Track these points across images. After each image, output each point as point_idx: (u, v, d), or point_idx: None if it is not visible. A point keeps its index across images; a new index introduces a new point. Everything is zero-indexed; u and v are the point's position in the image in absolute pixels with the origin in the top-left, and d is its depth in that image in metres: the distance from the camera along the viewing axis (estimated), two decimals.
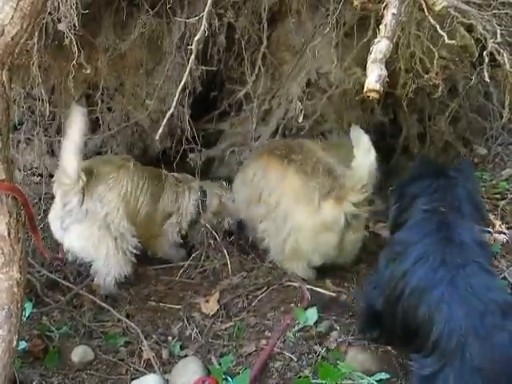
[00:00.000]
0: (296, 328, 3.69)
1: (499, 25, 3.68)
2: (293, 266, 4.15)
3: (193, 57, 2.99)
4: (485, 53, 3.27)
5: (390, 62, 4.13)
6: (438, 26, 2.08)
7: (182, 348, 3.69)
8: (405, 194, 3.52)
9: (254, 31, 4.35)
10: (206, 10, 2.93)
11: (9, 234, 2.70)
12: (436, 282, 2.98)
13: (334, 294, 4.03)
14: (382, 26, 1.80)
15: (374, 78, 1.73)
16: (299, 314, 3.75)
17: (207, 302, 4.01)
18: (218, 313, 3.95)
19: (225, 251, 4.38)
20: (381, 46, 1.77)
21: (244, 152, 4.61)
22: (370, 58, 1.80)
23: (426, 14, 1.93)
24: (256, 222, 4.27)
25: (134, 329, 3.79)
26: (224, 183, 4.57)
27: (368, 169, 3.75)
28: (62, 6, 3.56)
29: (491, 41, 3.37)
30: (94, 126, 4.53)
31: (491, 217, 4.63)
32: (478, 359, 2.72)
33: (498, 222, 4.50)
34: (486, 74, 3.23)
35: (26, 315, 3.68)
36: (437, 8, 1.83)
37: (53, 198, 4.04)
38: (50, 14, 3.60)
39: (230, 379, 3.35)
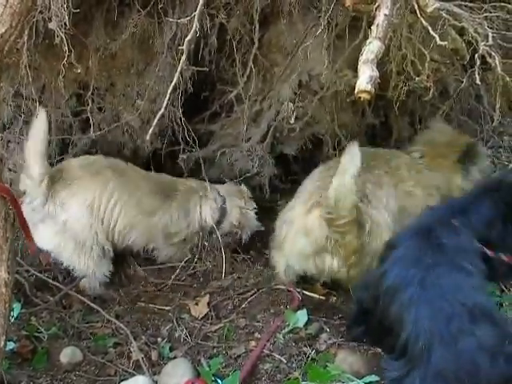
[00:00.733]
0: (286, 330, 3.69)
1: (491, 28, 3.68)
2: (276, 259, 4.04)
3: (184, 57, 2.99)
4: (476, 55, 3.27)
5: (381, 64, 4.15)
6: (430, 28, 2.07)
7: (171, 349, 3.67)
8: None
9: (245, 32, 4.33)
10: (198, 10, 2.93)
11: None
12: (407, 281, 2.96)
13: (323, 297, 4.03)
14: (373, 27, 1.80)
15: (365, 78, 1.73)
16: (289, 315, 3.74)
17: (196, 304, 4.01)
18: (207, 314, 3.96)
19: (216, 253, 4.38)
20: (372, 47, 1.77)
21: (235, 153, 4.58)
22: (362, 58, 1.79)
23: (418, 15, 1.93)
24: None
25: (123, 330, 3.77)
26: (244, 188, 4.55)
27: (342, 194, 3.53)
28: (53, 4, 3.53)
29: (482, 44, 3.36)
30: (84, 125, 4.50)
31: None
32: (442, 365, 2.68)
33: None
34: (477, 76, 3.23)
35: (15, 316, 3.65)
36: (428, 9, 1.83)
37: None
38: (40, 12, 3.56)
39: (219, 381, 3.34)
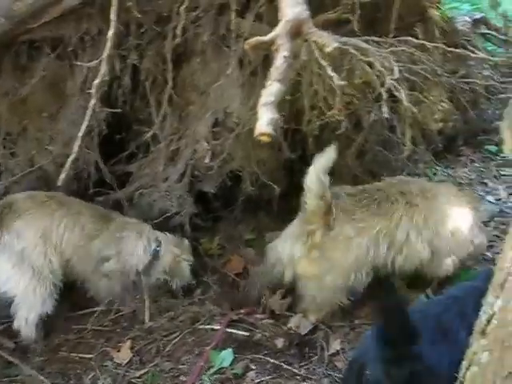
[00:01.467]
0: (211, 371, 3.65)
1: (397, 61, 3.80)
2: None
3: (93, 101, 2.97)
4: (382, 89, 3.36)
5: (295, 100, 4.26)
6: (327, 68, 2.11)
7: None
8: None
9: (159, 72, 4.34)
10: (105, 53, 2.92)
11: None
12: None
13: (247, 333, 4.00)
14: (272, 69, 1.82)
15: (264, 121, 1.74)
16: (214, 356, 3.70)
17: (119, 351, 3.91)
18: (131, 360, 3.86)
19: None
20: (272, 89, 1.78)
21: (153, 193, 4.54)
22: (261, 101, 1.80)
23: (316, 55, 1.96)
24: None
25: (45, 382, 3.65)
26: (186, 242, 4.48)
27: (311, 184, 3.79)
28: None
29: (389, 77, 3.47)
30: None
31: None
32: None
33: None
34: (384, 109, 3.32)
35: None
36: (327, 49, 1.86)
37: None
38: None
39: None
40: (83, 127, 2.95)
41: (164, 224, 4.55)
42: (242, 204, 4.83)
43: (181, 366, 3.78)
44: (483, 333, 2.12)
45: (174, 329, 4.05)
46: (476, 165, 5.85)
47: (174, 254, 4.35)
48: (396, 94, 3.48)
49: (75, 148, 2.95)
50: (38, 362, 3.89)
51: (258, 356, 3.82)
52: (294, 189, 5.08)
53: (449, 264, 4.06)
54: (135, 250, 4.25)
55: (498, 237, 4.59)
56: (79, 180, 4.41)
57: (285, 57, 1.79)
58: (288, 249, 4.02)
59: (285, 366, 3.73)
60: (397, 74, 3.46)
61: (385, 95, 3.50)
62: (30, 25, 3.80)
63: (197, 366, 3.69)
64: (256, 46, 1.86)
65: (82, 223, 4.11)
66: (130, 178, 4.71)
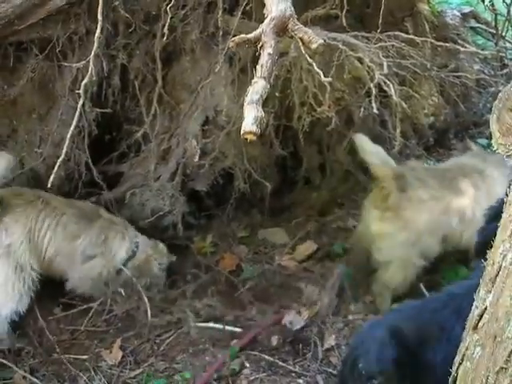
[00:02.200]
0: None
1: (386, 56, 3.80)
2: None
3: (81, 101, 2.96)
4: (372, 84, 3.36)
5: (285, 97, 4.26)
6: (314, 65, 2.11)
7: None
8: None
9: (148, 71, 4.33)
10: (93, 53, 2.91)
11: None
12: None
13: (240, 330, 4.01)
14: (258, 67, 1.81)
15: (250, 120, 1.73)
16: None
17: (110, 352, 3.90)
18: (125, 360, 3.85)
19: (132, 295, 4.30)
20: (257, 87, 1.77)
21: (145, 193, 4.53)
22: (247, 99, 1.79)
23: (303, 52, 1.96)
24: None
25: None
26: (163, 247, 4.45)
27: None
28: None
29: (378, 72, 3.48)
30: None
31: None
32: None
33: None
34: (374, 105, 3.32)
35: None
36: (313, 46, 1.85)
37: None
38: None
39: None
40: (72, 128, 2.93)
41: (156, 223, 4.54)
42: (234, 202, 4.83)
43: (175, 366, 3.77)
44: (475, 328, 2.11)
45: (168, 328, 4.05)
46: None
47: (147, 253, 4.35)
48: (386, 88, 3.48)
49: (65, 149, 2.92)
50: (31, 364, 3.86)
51: (252, 353, 3.82)
52: (287, 185, 5.12)
53: None
54: (118, 250, 4.24)
55: None
56: (70, 181, 4.40)
57: (269, 54, 1.78)
58: (366, 218, 4.17)
59: (279, 363, 3.74)
60: (386, 69, 3.46)
61: (374, 90, 3.50)
62: (17, 26, 3.77)
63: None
64: (241, 44, 1.86)
65: (65, 223, 4.10)
66: (122, 178, 4.70)
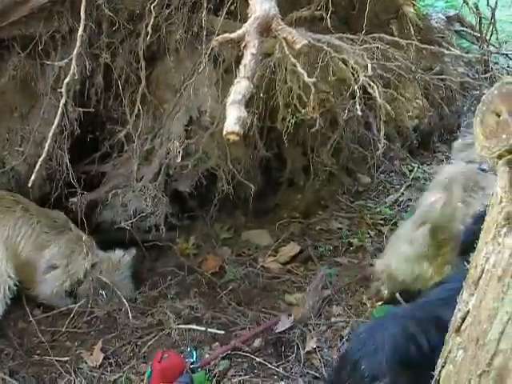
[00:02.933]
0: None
1: (371, 58, 3.79)
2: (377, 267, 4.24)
3: (63, 100, 2.90)
4: (356, 86, 3.35)
5: (270, 98, 4.24)
6: (298, 65, 2.09)
7: None
8: None
9: (132, 71, 4.30)
10: (75, 52, 2.86)
11: None
12: None
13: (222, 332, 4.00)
14: (241, 67, 1.78)
15: (232, 120, 1.71)
16: None
17: (91, 354, 3.86)
18: (106, 362, 3.81)
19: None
20: (240, 87, 1.75)
21: (128, 193, 4.49)
22: (229, 100, 1.77)
23: (287, 52, 1.94)
24: None
25: None
26: (127, 258, 4.41)
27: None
28: None
29: (363, 74, 3.46)
30: None
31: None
32: None
33: None
34: (358, 107, 3.30)
35: None
36: (297, 46, 1.83)
37: None
38: None
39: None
40: (54, 127, 2.88)
41: (139, 224, 4.51)
42: (217, 203, 4.81)
43: None
44: (458, 331, 2.10)
45: (149, 330, 4.02)
46: (452, 161, 5.87)
47: (105, 267, 4.34)
48: (370, 90, 3.46)
49: (46, 148, 2.88)
50: (11, 366, 3.81)
51: (236, 354, 3.79)
52: (270, 187, 5.10)
53: None
54: (81, 265, 4.23)
55: None
56: (52, 181, 4.35)
57: (253, 54, 1.76)
58: None
59: (262, 365, 3.72)
60: (371, 71, 3.45)
61: (359, 92, 3.49)
62: None
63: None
64: (224, 44, 1.84)
65: (38, 232, 4.11)
66: (104, 178, 4.66)
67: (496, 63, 5.91)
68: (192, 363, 3.58)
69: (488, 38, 5.49)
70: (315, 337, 3.86)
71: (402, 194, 5.50)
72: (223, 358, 3.75)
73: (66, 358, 3.87)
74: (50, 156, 4.08)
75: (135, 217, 4.48)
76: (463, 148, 4.27)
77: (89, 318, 4.17)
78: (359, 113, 3.32)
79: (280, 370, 3.68)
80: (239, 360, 3.78)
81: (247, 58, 1.75)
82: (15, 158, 4.24)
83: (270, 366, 3.71)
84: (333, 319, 4.05)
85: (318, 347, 3.81)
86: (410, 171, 5.81)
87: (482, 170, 3.91)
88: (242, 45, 1.80)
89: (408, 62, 4.22)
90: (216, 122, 4.29)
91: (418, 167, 5.82)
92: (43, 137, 4.14)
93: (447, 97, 5.73)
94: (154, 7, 3.67)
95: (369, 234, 4.97)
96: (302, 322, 3.97)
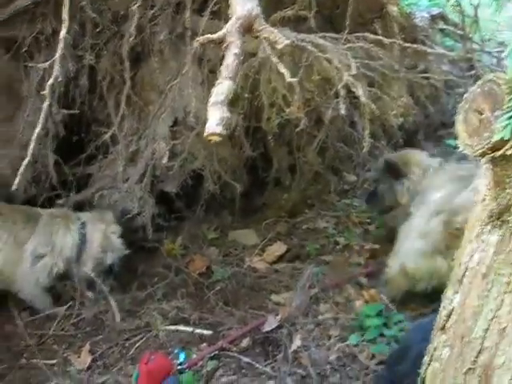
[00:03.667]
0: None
1: (355, 57, 3.80)
2: (390, 264, 4.17)
3: (47, 102, 2.91)
4: (340, 86, 3.36)
5: (254, 98, 4.24)
6: (279, 64, 2.09)
7: None
8: None
9: (116, 72, 4.30)
10: (58, 54, 2.86)
11: None
12: None
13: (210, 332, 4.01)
14: (223, 67, 1.79)
15: (214, 121, 1.71)
16: None
17: (78, 356, 3.85)
18: (95, 364, 3.80)
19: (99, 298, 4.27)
20: (222, 88, 1.75)
21: (114, 194, 4.48)
22: (211, 101, 1.77)
23: (269, 52, 1.95)
24: None
25: None
26: (109, 214, 4.43)
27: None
28: None
29: (346, 73, 3.47)
30: None
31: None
32: None
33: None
34: (342, 106, 3.31)
35: None
36: (279, 46, 1.84)
37: None
38: None
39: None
40: (38, 129, 2.88)
41: (126, 225, 4.50)
42: (204, 203, 4.82)
43: None
44: (443, 328, 2.12)
45: (136, 332, 4.01)
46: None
47: (101, 230, 4.34)
48: (354, 89, 3.47)
49: (30, 150, 2.87)
50: None
51: (224, 354, 3.79)
52: (257, 187, 5.10)
53: None
54: (65, 242, 4.21)
55: None
56: (37, 183, 4.34)
57: (235, 54, 1.76)
58: None
59: (250, 365, 3.72)
60: (354, 70, 3.46)
61: (343, 91, 3.50)
62: None
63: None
64: (207, 44, 1.84)
65: (16, 232, 4.09)
66: (90, 180, 4.65)
67: (479, 61, 5.92)
68: (179, 364, 3.59)
69: (471, 36, 5.51)
70: (302, 335, 3.87)
71: None
72: (211, 359, 3.73)
73: (53, 361, 3.87)
74: (36, 158, 4.07)
75: (122, 218, 4.48)
76: None
77: (76, 320, 4.16)
78: (343, 112, 3.33)
79: (268, 369, 3.68)
80: (227, 360, 3.77)
81: (230, 59, 1.76)
82: (0, 161, 4.23)
83: (257, 365, 3.70)
84: (320, 317, 4.05)
85: (305, 346, 3.81)
86: None
87: None
88: (224, 45, 1.80)
89: (392, 61, 4.23)
90: (201, 123, 4.28)
91: None
92: (28, 139, 4.09)
93: (432, 95, 5.74)
94: (138, 8, 3.67)
95: (355, 232, 4.98)
96: (289, 321, 3.97)
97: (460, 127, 1.83)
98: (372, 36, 3.99)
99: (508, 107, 1.65)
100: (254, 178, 5.07)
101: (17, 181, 2.89)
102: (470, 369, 1.93)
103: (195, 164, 4.56)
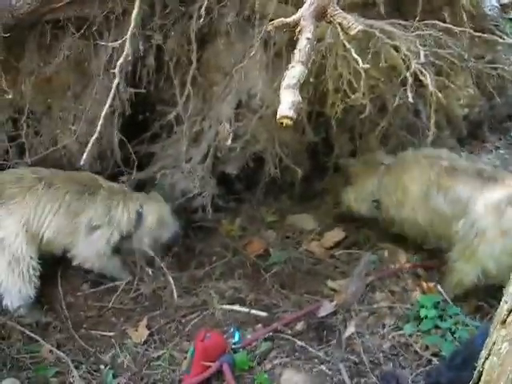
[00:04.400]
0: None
1: (423, 45, 3.75)
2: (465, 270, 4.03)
3: (116, 80, 2.97)
4: (408, 73, 3.32)
5: (319, 83, 4.23)
6: (352, 51, 2.09)
7: (114, 376, 3.62)
8: None
9: (183, 53, 4.32)
10: (129, 33, 2.91)
11: None
12: None
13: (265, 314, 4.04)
14: (296, 51, 1.80)
15: (287, 104, 1.72)
16: None
17: (136, 330, 3.94)
18: (151, 339, 3.89)
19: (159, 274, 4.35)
20: (294, 72, 1.77)
21: (176, 174, 4.55)
22: (283, 84, 1.79)
23: (341, 37, 1.95)
24: None
25: (65, 359, 3.69)
26: (155, 193, 4.53)
27: None
28: None
29: (415, 61, 3.43)
30: (22, 150, 4.41)
31: None
32: None
33: None
34: (409, 94, 3.28)
35: None
36: (352, 32, 1.84)
37: None
38: None
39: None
40: (106, 107, 2.94)
41: (186, 205, 4.57)
42: (264, 186, 4.85)
43: None
44: (503, 323, 2.10)
45: (193, 309, 4.09)
46: (501, 151, 5.80)
47: (156, 210, 4.41)
48: (422, 78, 3.43)
49: (98, 127, 2.94)
50: (58, 338, 3.93)
51: (278, 336, 3.83)
52: (317, 172, 5.10)
53: None
54: (122, 218, 4.28)
55: None
56: (102, 160, 4.43)
57: (308, 38, 1.77)
58: None
59: (304, 349, 3.75)
60: (423, 59, 3.42)
61: (410, 79, 3.46)
62: (55, 4, 3.79)
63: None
64: (279, 28, 1.85)
65: (68, 202, 4.11)
66: (153, 159, 4.72)
67: None
68: (234, 343, 3.65)
69: None
70: (357, 322, 3.87)
71: None
72: (265, 340, 3.79)
73: (111, 333, 3.98)
74: (102, 135, 4.14)
75: (182, 197, 4.55)
76: None
77: (135, 294, 4.26)
78: (411, 100, 3.30)
79: (321, 354, 3.70)
80: (281, 342, 3.81)
81: (302, 43, 1.77)
82: (67, 137, 4.32)
83: (311, 349, 3.73)
84: (375, 305, 4.04)
85: (359, 333, 3.82)
86: None
87: None
88: (297, 29, 1.81)
89: (460, 50, 4.16)
90: (265, 106, 4.31)
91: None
92: (95, 116, 4.18)
93: (499, 86, 5.61)
94: None
95: None
96: (344, 308, 3.98)
97: None
98: (442, 24, 3.92)
99: None
100: (315, 163, 5.06)
101: (84, 156, 2.95)
102: None
103: (257, 147, 4.59)
